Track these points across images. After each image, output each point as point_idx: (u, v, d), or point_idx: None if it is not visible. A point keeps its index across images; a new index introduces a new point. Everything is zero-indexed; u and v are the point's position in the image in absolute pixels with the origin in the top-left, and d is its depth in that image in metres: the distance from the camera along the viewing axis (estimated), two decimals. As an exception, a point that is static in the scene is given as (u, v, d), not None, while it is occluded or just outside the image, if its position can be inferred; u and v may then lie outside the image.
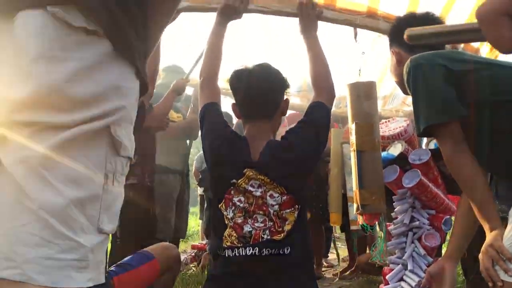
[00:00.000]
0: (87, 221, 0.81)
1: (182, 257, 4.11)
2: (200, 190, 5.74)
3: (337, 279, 3.84)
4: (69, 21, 0.78)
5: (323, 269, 4.35)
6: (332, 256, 5.11)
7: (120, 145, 0.86)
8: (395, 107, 4.17)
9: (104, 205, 0.84)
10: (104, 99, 0.82)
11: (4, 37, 0.77)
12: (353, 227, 3.39)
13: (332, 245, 4.95)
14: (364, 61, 3.02)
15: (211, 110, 1.79)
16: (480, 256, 1.25)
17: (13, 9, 0.76)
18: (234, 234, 1.58)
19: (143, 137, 2.28)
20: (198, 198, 6.26)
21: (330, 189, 3.60)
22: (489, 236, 1.24)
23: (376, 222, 2.45)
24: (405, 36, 1.34)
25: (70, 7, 0.78)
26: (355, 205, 2.18)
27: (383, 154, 1.96)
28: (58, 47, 0.78)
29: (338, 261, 4.38)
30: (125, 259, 1.57)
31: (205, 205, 5.06)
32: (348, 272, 3.94)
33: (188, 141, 3.91)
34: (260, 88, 1.72)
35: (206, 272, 3.45)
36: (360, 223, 2.30)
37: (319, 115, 1.74)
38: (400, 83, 1.69)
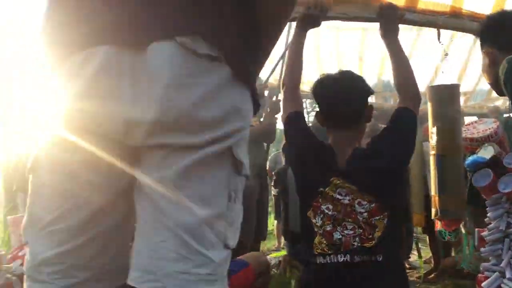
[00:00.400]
0: (216, 237, 0.87)
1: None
2: (274, 191, 5.79)
3: (421, 282, 3.74)
4: (195, 50, 0.84)
5: (405, 271, 4.24)
6: (413, 257, 4.97)
7: (241, 164, 0.91)
8: (478, 103, 3.99)
9: (228, 222, 0.89)
10: (227, 121, 0.88)
11: (139, 67, 0.84)
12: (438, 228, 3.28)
13: (414, 246, 4.80)
14: (444, 59, 2.92)
15: (295, 118, 1.83)
16: None
17: (146, 42, 0.84)
18: (325, 242, 1.61)
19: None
20: (273, 197, 6.31)
21: (412, 189, 3.51)
22: None
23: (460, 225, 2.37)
24: None
25: (196, 36, 0.85)
26: (433, 210, 2.12)
27: (473, 157, 1.90)
28: (186, 74, 0.84)
29: (420, 263, 4.25)
30: None
31: (281, 206, 5.10)
32: (432, 275, 3.81)
33: (265, 144, 3.97)
34: (345, 97, 1.73)
35: (287, 274, 3.50)
36: (438, 228, 2.24)
37: (405, 121, 1.73)
38: (494, 85, 1.63)
